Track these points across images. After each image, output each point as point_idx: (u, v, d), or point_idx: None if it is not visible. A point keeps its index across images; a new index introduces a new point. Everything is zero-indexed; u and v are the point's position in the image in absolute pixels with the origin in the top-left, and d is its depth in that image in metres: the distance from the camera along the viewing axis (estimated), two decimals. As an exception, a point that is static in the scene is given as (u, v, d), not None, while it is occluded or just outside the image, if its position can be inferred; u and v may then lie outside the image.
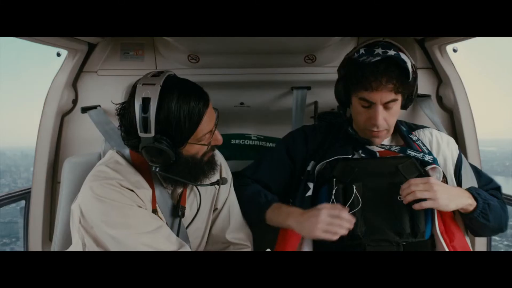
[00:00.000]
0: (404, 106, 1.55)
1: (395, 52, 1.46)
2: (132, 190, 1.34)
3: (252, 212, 1.58)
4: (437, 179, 1.45)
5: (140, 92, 1.25)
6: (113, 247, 1.29)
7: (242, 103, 2.38)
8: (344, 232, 1.34)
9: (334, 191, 1.47)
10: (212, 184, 1.44)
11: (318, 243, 1.52)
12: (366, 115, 1.50)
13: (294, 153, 1.66)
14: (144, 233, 1.29)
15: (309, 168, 1.57)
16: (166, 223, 1.41)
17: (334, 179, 1.48)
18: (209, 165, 1.41)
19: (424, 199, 1.37)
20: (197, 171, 1.37)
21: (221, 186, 1.58)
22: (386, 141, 1.61)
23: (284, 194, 1.63)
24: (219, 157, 1.58)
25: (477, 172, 1.64)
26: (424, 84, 2.14)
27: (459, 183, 1.56)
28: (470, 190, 1.47)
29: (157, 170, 1.32)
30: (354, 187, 1.46)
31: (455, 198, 1.41)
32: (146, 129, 1.24)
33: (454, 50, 2.07)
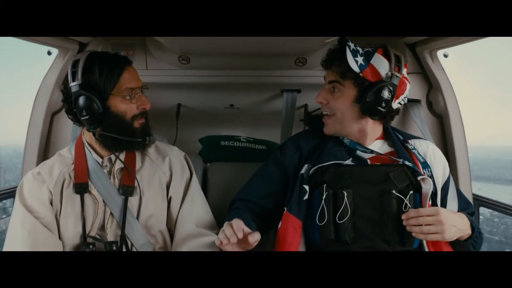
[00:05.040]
0: (365, 110, 1.54)
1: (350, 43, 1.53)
2: (39, 173, 1.55)
3: None
4: (427, 191, 1.45)
5: (74, 58, 1.52)
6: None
7: (232, 105, 2.38)
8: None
9: (324, 196, 1.46)
10: (139, 141, 1.55)
11: (309, 247, 1.54)
12: None
13: (284, 163, 1.65)
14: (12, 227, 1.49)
15: (303, 171, 1.56)
16: (104, 201, 1.52)
17: (325, 185, 1.47)
18: (142, 133, 1.56)
19: None
20: (128, 133, 1.53)
21: (174, 175, 1.64)
22: (376, 147, 1.61)
23: (279, 209, 1.61)
24: (173, 153, 1.69)
25: (459, 195, 1.63)
26: (415, 89, 2.14)
27: (442, 204, 1.56)
28: (468, 218, 1.49)
29: (91, 129, 1.50)
30: (345, 193, 1.45)
31: (460, 230, 1.43)
32: (74, 78, 1.47)
33: (445, 56, 2.08)
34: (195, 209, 1.62)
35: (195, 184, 1.68)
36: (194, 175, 1.70)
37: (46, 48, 2.04)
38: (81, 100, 1.46)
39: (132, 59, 2.12)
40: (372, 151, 1.56)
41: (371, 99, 1.51)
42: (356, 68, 1.50)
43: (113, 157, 1.58)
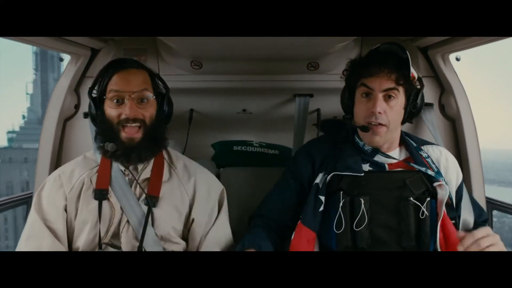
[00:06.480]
0: (409, 115, 1.54)
1: (399, 47, 1.51)
2: (60, 176, 1.55)
3: None
4: (443, 196, 1.44)
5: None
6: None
7: (244, 110, 2.39)
8: None
9: (341, 203, 1.45)
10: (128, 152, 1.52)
11: (322, 248, 1.52)
12: (366, 106, 1.50)
13: (299, 173, 1.63)
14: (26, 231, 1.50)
15: (317, 180, 1.53)
16: (121, 209, 1.49)
17: (341, 192, 1.46)
18: (126, 145, 1.49)
19: None
20: (113, 138, 1.49)
21: (198, 198, 1.59)
22: (395, 153, 1.59)
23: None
24: (201, 176, 1.64)
25: (473, 202, 1.62)
26: (427, 93, 2.13)
27: (456, 211, 1.55)
28: None
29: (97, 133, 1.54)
30: (362, 200, 1.44)
31: None
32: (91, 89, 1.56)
33: (457, 59, 2.07)
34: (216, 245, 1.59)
35: (224, 219, 1.64)
36: (225, 210, 1.66)
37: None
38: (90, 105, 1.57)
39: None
40: (390, 157, 1.55)
41: (419, 105, 1.53)
42: (416, 74, 1.50)
43: (140, 165, 1.56)
